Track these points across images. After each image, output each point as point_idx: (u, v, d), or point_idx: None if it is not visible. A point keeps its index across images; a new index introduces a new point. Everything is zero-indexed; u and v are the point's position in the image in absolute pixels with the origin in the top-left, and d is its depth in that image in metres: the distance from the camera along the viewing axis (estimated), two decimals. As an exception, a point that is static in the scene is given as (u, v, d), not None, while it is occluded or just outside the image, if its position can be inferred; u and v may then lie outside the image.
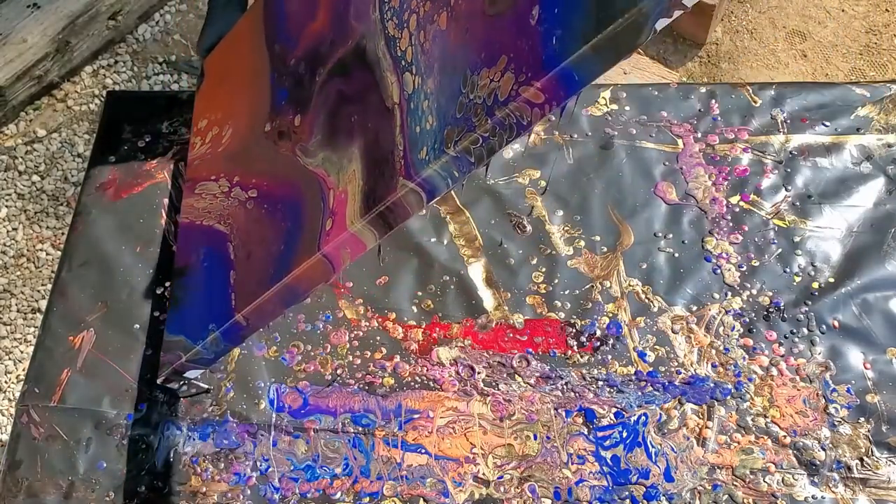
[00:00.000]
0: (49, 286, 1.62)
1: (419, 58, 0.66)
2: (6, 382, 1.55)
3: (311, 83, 0.81)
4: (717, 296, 0.94)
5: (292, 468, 0.84)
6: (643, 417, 0.86)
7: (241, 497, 0.83)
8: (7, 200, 1.73)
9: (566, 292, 0.94)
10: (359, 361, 0.90)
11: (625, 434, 0.85)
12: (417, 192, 0.61)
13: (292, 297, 0.74)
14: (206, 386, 0.88)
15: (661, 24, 0.47)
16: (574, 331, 0.91)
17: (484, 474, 0.84)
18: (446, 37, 0.63)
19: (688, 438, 0.85)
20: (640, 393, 0.88)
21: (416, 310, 0.93)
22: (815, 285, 0.94)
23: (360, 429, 0.86)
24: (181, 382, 0.85)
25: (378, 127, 0.68)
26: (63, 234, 1.69)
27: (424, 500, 0.82)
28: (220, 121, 0.97)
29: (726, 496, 0.82)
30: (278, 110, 0.85)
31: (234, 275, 0.79)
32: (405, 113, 0.65)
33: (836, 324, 0.91)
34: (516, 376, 0.89)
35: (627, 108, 1.07)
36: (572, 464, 0.84)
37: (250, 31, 0.98)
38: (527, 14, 0.55)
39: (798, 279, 0.94)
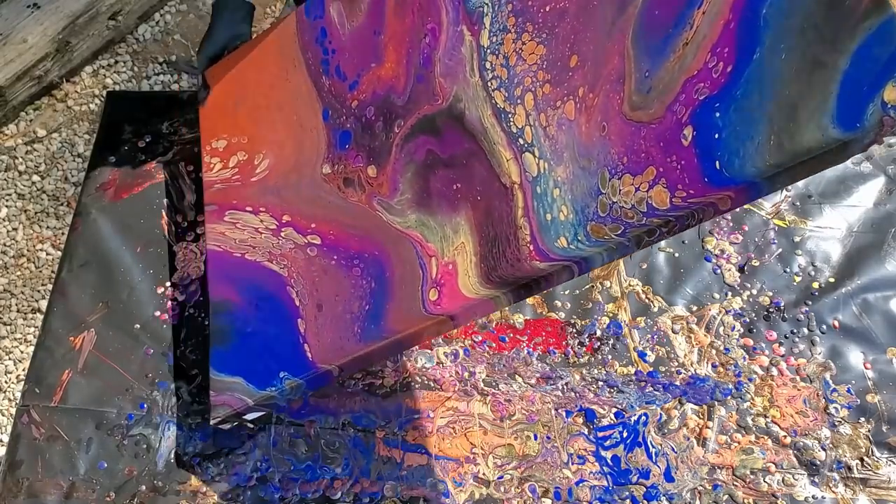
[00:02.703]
0: (49, 286, 1.62)
1: (542, 141, 0.65)
2: (6, 382, 1.55)
3: (388, 134, 0.79)
4: (717, 296, 0.94)
5: (292, 468, 0.84)
6: (643, 417, 0.86)
7: (241, 497, 0.83)
8: (7, 200, 1.73)
9: (566, 292, 0.94)
10: (359, 361, 0.90)
11: (625, 434, 0.85)
12: (571, 268, 0.62)
13: (400, 349, 0.76)
14: (253, 426, 0.86)
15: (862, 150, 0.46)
16: (574, 331, 0.91)
17: (484, 474, 0.84)
18: (576, 128, 0.62)
19: (688, 438, 0.85)
20: (640, 393, 0.88)
21: (416, 310, 0.93)
22: (816, 285, 0.94)
23: (361, 429, 0.86)
24: (235, 423, 0.84)
25: (491, 203, 0.68)
26: (63, 234, 1.69)
27: (425, 500, 0.82)
28: (247, 147, 0.94)
29: (727, 496, 0.82)
30: (340, 153, 0.83)
31: (303, 324, 0.78)
32: (530, 196, 0.65)
33: (837, 324, 0.91)
34: (516, 376, 0.89)
35: (627, 108, 1.07)
36: (572, 464, 0.84)
37: (279, 55, 0.94)
38: (676, 133, 0.54)
39: (798, 279, 0.94)
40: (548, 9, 0.66)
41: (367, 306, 0.74)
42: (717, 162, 0.51)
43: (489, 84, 0.70)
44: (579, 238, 0.60)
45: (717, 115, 0.51)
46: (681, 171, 0.53)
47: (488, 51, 0.71)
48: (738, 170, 0.50)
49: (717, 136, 0.51)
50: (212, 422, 0.81)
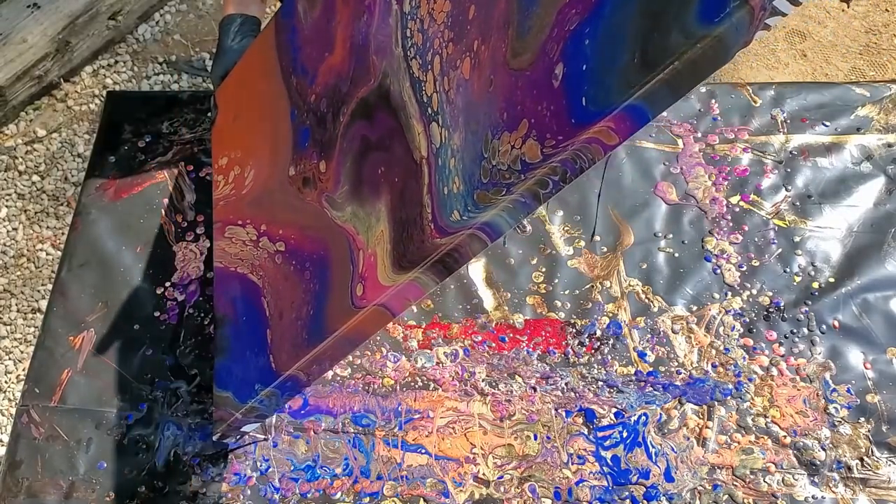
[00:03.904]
0: (49, 286, 1.62)
1: (445, 108, 0.61)
2: (6, 382, 1.55)
3: (335, 125, 0.75)
4: (717, 296, 0.94)
5: (292, 468, 0.84)
6: (643, 417, 0.86)
7: (241, 497, 0.83)
8: (7, 200, 1.73)
9: (566, 292, 0.94)
10: (359, 361, 0.90)
11: (625, 434, 0.85)
12: (477, 236, 0.57)
13: (352, 346, 0.71)
14: (263, 436, 0.86)
15: (742, 46, 0.42)
16: (574, 331, 0.91)
17: (484, 474, 0.84)
18: (469, 87, 0.58)
19: (688, 438, 0.85)
20: (640, 393, 0.88)
21: (416, 310, 0.93)
22: (815, 285, 0.94)
23: (360, 429, 0.86)
24: (238, 437, 0.83)
25: (405, 183, 0.64)
26: (63, 234, 1.69)
27: (424, 500, 0.82)
28: (240, 160, 0.93)
29: (726, 496, 0.82)
30: (301, 153, 0.80)
31: (271, 334, 0.77)
32: (433, 170, 0.61)
33: (837, 324, 0.91)
34: (516, 376, 0.89)
35: (627, 108, 1.07)
36: (572, 464, 0.84)
37: (262, 60, 0.92)
38: (548, 75, 0.51)
39: (798, 279, 0.94)
40: None
41: (311, 310, 0.72)
42: (584, 98, 0.48)
43: (408, 53, 0.66)
44: (469, 209, 0.56)
45: (587, 42, 0.48)
46: (550, 119, 0.50)
47: (408, 17, 0.67)
48: (603, 100, 0.46)
49: (584, 67, 0.48)
50: (214, 437, 0.81)
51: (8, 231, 1.70)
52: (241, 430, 0.81)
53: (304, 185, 0.79)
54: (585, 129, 0.47)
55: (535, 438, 0.85)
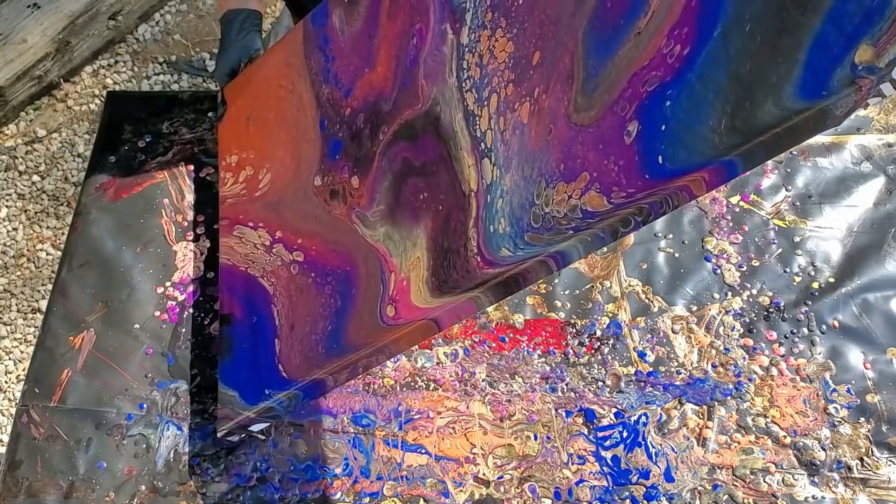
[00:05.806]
0: (49, 286, 1.62)
1: (499, 146, 0.61)
2: (6, 382, 1.55)
3: (373, 142, 0.75)
4: (717, 296, 0.93)
5: (292, 468, 0.84)
6: (643, 417, 0.86)
7: (241, 497, 0.83)
8: (7, 200, 1.73)
9: (566, 292, 0.94)
10: (359, 361, 0.90)
11: (625, 434, 0.85)
12: (549, 265, 0.57)
13: (388, 356, 0.71)
14: (263, 437, 0.86)
15: (842, 118, 0.42)
16: (574, 331, 0.91)
17: (484, 474, 0.84)
18: (527, 132, 0.58)
19: (688, 438, 0.85)
20: (640, 393, 0.88)
21: (416, 310, 0.93)
22: (815, 285, 0.94)
23: (360, 429, 0.86)
24: (242, 434, 0.83)
25: (449, 212, 0.64)
26: (63, 234, 1.69)
27: (424, 501, 0.82)
28: (254, 161, 0.92)
29: (726, 496, 0.82)
30: (331, 164, 0.80)
31: (279, 343, 0.77)
32: (482, 206, 0.61)
33: (837, 324, 0.91)
34: (516, 376, 0.89)
35: (627, 108, 1.07)
36: (572, 464, 0.84)
37: (286, 66, 0.92)
38: (618, 132, 0.51)
39: (798, 279, 0.94)
40: (521, 1, 0.62)
41: (329, 326, 0.72)
42: (660, 156, 0.48)
43: (464, 85, 0.66)
44: (521, 247, 0.57)
45: (668, 104, 0.48)
46: (617, 173, 0.50)
47: (466, 49, 0.67)
48: (684, 160, 0.47)
49: (663, 127, 0.48)
50: (219, 434, 0.81)
51: (8, 231, 1.70)
52: (249, 428, 0.81)
53: (332, 197, 0.79)
54: (667, 182, 0.48)
55: (535, 438, 0.85)
